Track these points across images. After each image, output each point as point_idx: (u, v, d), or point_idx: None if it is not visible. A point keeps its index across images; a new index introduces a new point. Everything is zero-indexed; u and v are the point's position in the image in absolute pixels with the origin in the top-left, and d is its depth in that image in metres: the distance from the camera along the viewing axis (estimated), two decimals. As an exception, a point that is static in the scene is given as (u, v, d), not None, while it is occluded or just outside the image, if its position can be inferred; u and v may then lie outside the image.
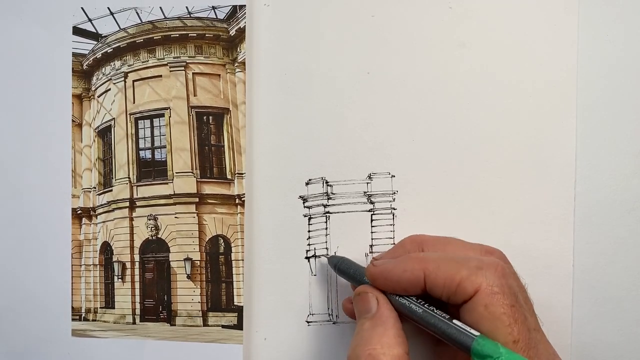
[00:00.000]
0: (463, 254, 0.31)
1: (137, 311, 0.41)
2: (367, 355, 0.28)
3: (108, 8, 0.41)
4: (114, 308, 0.41)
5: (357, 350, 0.28)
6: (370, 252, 0.38)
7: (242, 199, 0.39)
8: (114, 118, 0.42)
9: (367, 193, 0.38)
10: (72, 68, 0.42)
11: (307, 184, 0.39)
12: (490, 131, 0.37)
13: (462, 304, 0.28)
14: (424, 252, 0.32)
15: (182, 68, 0.41)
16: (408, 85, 0.38)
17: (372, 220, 0.38)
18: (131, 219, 0.41)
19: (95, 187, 0.42)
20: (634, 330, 0.36)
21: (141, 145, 0.41)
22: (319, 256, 0.38)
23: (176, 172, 0.41)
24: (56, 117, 0.42)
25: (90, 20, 0.41)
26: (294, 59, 0.39)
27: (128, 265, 0.41)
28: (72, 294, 0.42)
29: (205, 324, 0.40)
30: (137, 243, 0.41)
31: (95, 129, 0.42)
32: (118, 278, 0.41)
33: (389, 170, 0.38)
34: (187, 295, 0.40)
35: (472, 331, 0.27)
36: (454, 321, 0.28)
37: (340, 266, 0.35)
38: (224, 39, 0.40)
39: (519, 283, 0.30)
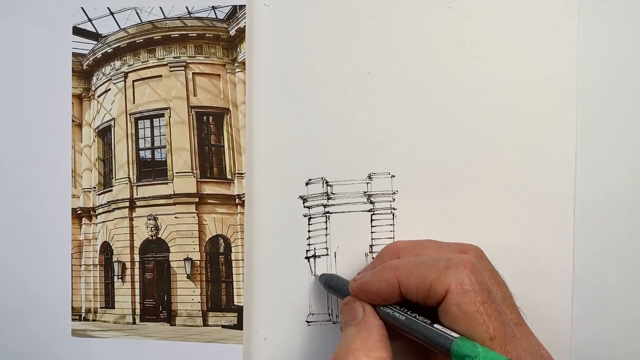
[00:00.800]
0: (435, 256, 0.31)
1: (137, 311, 0.41)
2: (351, 356, 0.28)
3: (108, 8, 0.41)
4: (114, 308, 0.41)
5: (341, 353, 0.29)
6: (370, 252, 0.38)
7: (242, 199, 0.39)
8: (114, 118, 0.42)
9: (367, 193, 0.38)
10: (72, 68, 0.42)
11: (307, 184, 0.39)
12: (490, 131, 0.37)
13: (437, 305, 0.28)
14: (398, 260, 0.32)
15: (182, 68, 0.41)
16: (408, 85, 0.38)
17: (372, 220, 0.38)
18: (131, 219, 0.41)
19: (95, 187, 0.42)
20: (634, 330, 0.36)
21: (141, 145, 0.41)
22: (319, 256, 0.38)
23: (176, 172, 0.41)
24: (56, 117, 0.42)
25: (90, 20, 0.41)
26: (294, 59, 0.39)
27: (128, 265, 0.41)
28: (72, 294, 0.42)
29: (205, 324, 0.40)
30: (137, 243, 0.41)
31: (95, 129, 0.42)
32: (118, 278, 0.41)
33: (389, 170, 0.38)
34: (187, 295, 0.40)
35: (452, 333, 0.28)
36: (435, 325, 0.29)
37: (330, 283, 0.36)
38: (224, 39, 0.40)
39: (497, 279, 0.30)
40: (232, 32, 0.40)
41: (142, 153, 0.41)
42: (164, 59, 0.41)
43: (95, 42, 0.41)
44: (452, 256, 0.30)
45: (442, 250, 0.32)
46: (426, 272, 0.29)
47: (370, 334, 0.29)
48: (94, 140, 0.42)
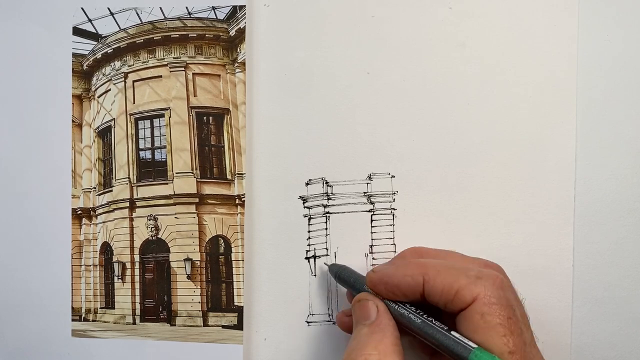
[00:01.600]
0: (464, 265, 0.31)
1: (137, 311, 0.41)
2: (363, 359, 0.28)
3: (108, 8, 0.41)
4: (114, 308, 0.41)
5: (353, 354, 0.28)
6: (370, 252, 0.38)
7: (242, 199, 0.39)
8: (114, 118, 0.42)
9: (367, 193, 0.38)
10: (72, 68, 0.42)
11: (307, 184, 0.39)
12: (490, 131, 0.37)
13: (458, 312, 0.28)
14: (426, 259, 0.32)
15: (182, 68, 0.41)
16: (408, 85, 0.38)
17: (372, 221, 0.38)
18: (131, 219, 0.41)
19: (95, 188, 0.42)
20: (634, 330, 0.36)
21: (141, 146, 0.41)
22: (319, 256, 0.38)
23: (176, 173, 0.41)
24: (56, 117, 0.42)
25: (90, 20, 0.41)
26: (294, 59, 0.39)
27: (128, 265, 0.41)
28: (72, 294, 0.42)
29: (205, 324, 0.40)
30: (137, 243, 0.41)
31: (95, 129, 0.42)
32: (118, 278, 0.41)
33: (389, 170, 0.38)
34: (187, 295, 0.40)
35: (470, 343, 0.27)
36: (452, 332, 0.28)
37: (341, 274, 0.35)
38: (224, 39, 0.40)
39: (516, 297, 0.30)
40: (232, 33, 0.40)
41: (142, 153, 0.41)
42: (164, 59, 0.41)
43: (95, 43, 0.42)
44: (483, 269, 0.29)
45: (467, 261, 0.32)
46: (455, 277, 0.28)
47: (384, 336, 0.29)
48: (94, 141, 0.42)
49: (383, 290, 0.31)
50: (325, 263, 0.38)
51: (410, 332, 0.30)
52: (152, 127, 0.41)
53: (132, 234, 0.41)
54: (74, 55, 0.42)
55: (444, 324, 0.29)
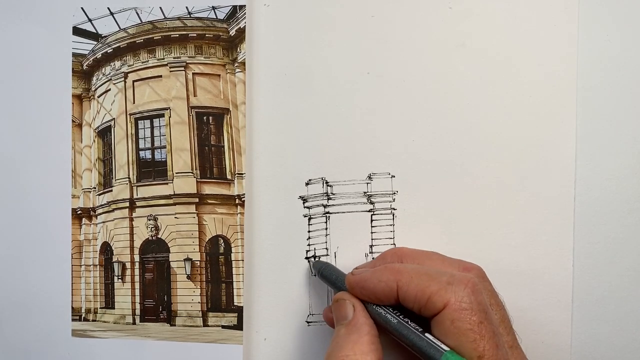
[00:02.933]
0: (439, 269, 0.31)
1: (137, 311, 0.41)
2: None
3: (108, 8, 0.41)
4: (114, 308, 0.41)
5: (331, 356, 0.29)
6: (370, 252, 0.38)
7: (242, 199, 0.39)
8: (114, 118, 0.42)
9: (367, 193, 0.38)
10: (72, 68, 0.42)
11: (307, 184, 0.39)
12: (490, 131, 0.37)
13: (432, 317, 0.28)
14: (400, 264, 0.32)
15: (182, 68, 0.41)
16: (408, 85, 0.38)
17: (372, 221, 0.38)
18: (131, 219, 0.41)
19: (95, 187, 0.42)
20: (634, 330, 0.36)
21: (141, 146, 0.41)
22: (319, 256, 0.38)
23: (176, 172, 0.41)
24: (56, 117, 0.42)
25: (90, 20, 0.41)
26: (294, 59, 0.39)
27: (128, 265, 0.41)
28: (72, 294, 0.42)
29: (205, 325, 0.40)
30: (137, 243, 0.41)
31: (95, 129, 0.42)
32: (118, 278, 0.41)
33: (389, 170, 0.38)
34: (187, 295, 0.40)
35: (442, 346, 0.28)
36: (426, 335, 0.28)
37: (324, 272, 0.35)
38: (224, 39, 0.40)
39: (497, 300, 0.30)
40: (232, 32, 0.40)
41: (142, 153, 0.41)
42: (164, 59, 0.41)
43: (95, 43, 0.42)
44: (456, 273, 0.30)
45: (445, 264, 0.32)
46: (427, 283, 0.29)
47: (360, 335, 0.29)
48: (94, 141, 0.42)
49: (359, 293, 0.31)
50: (310, 259, 0.38)
51: (387, 332, 0.31)
52: (152, 127, 0.41)
53: (132, 234, 0.41)
54: (74, 55, 0.42)
55: (421, 326, 0.29)
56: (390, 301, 0.30)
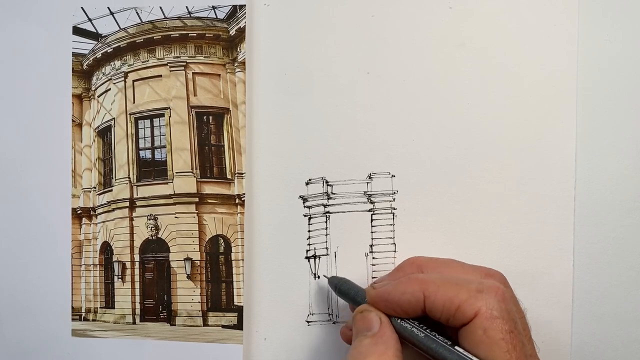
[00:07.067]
0: (463, 276, 0.31)
1: (137, 311, 0.41)
2: None
3: (108, 8, 0.41)
4: (114, 308, 0.41)
5: None
6: (370, 252, 0.38)
7: (242, 199, 0.39)
8: (114, 118, 0.42)
9: (367, 193, 0.38)
10: (72, 68, 0.42)
11: (307, 184, 0.39)
12: (490, 131, 0.37)
13: (460, 327, 0.28)
14: (425, 274, 0.31)
15: (182, 68, 0.41)
16: (408, 85, 0.38)
17: (372, 220, 0.38)
18: (131, 219, 0.41)
19: (95, 187, 0.42)
20: (634, 330, 0.36)
21: (141, 145, 0.41)
22: (319, 256, 0.38)
23: (176, 172, 0.41)
24: (56, 117, 0.42)
25: (90, 20, 0.41)
26: (294, 59, 0.39)
27: (128, 265, 0.41)
28: (72, 294, 0.42)
29: (205, 324, 0.40)
30: (137, 243, 0.41)
31: (95, 129, 0.42)
32: (118, 278, 0.41)
33: (389, 170, 0.38)
34: (187, 295, 0.40)
35: (474, 358, 0.27)
36: (456, 347, 0.28)
37: (341, 287, 0.34)
38: (224, 39, 0.40)
39: (519, 308, 0.30)
40: (232, 32, 0.40)
41: (142, 153, 0.41)
42: (164, 58, 0.41)
43: (95, 42, 0.41)
44: (484, 280, 0.29)
45: (467, 271, 0.32)
46: (456, 291, 0.28)
47: (387, 348, 0.28)
48: (94, 140, 0.42)
49: (383, 307, 0.31)
50: (325, 275, 0.38)
51: (411, 347, 0.30)
52: (152, 127, 0.41)
53: (132, 233, 0.41)
54: (74, 54, 0.42)
55: (446, 337, 0.29)
56: (415, 313, 0.29)
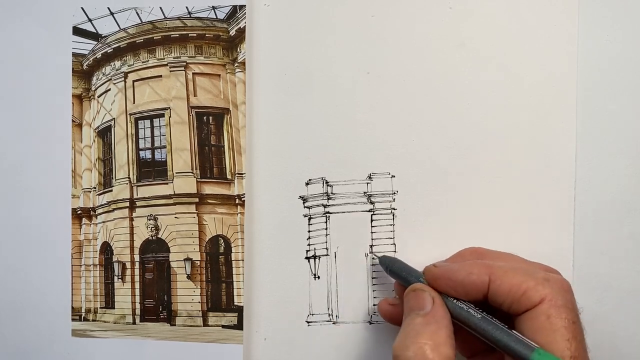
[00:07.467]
0: (527, 267, 0.31)
1: (137, 311, 0.41)
2: (417, 348, 0.27)
3: (108, 8, 0.41)
4: (114, 308, 0.41)
5: (407, 341, 0.28)
6: (370, 252, 0.38)
7: (242, 199, 0.39)
8: (114, 118, 0.42)
9: (367, 193, 0.38)
10: (72, 68, 0.42)
11: (307, 184, 0.39)
12: (490, 131, 0.37)
13: (522, 313, 0.28)
14: (489, 261, 0.31)
15: (182, 68, 0.41)
16: (408, 85, 0.38)
17: (372, 220, 0.38)
18: (131, 219, 0.41)
19: (95, 187, 0.42)
20: (635, 330, 0.36)
21: (141, 145, 0.41)
22: (319, 256, 0.38)
23: (176, 172, 0.41)
24: (56, 117, 0.42)
25: (90, 20, 0.41)
26: (294, 59, 0.39)
27: (128, 265, 0.41)
28: (72, 294, 0.42)
29: (205, 324, 0.40)
30: (137, 243, 0.41)
31: (95, 129, 0.42)
32: (118, 278, 0.41)
33: (389, 170, 0.38)
34: (187, 295, 0.40)
35: (532, 343, 0.27)
36: (514, 331, 0.28)
37: (392, 267, 0.34)
38: (224, 39, 0.40)
39: (576, 308, 0.30)
40: (232, 32, 0.40)
41: (142, 153, 0.41)
42: (164, 59, 0.41)
43: (95, 42, 0.42)
44: (550, 274, 0.29)
45: (529, 264, 0.32)
46: (523, 278, 0.28)
47: (439, 327, 0.28)
48: (94, 141, 0.42)
49: (444, 286, 0.30)
50: (375, 255, 0.37)
51: (463, 328, 0.30)
52: (152, 127, 0.41)
53: (132, 233, 0.41)
54: (74, 54, 0.42)
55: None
56: (477, 295, 0.29)
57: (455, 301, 0.30)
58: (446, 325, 0.29)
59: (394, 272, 0.34)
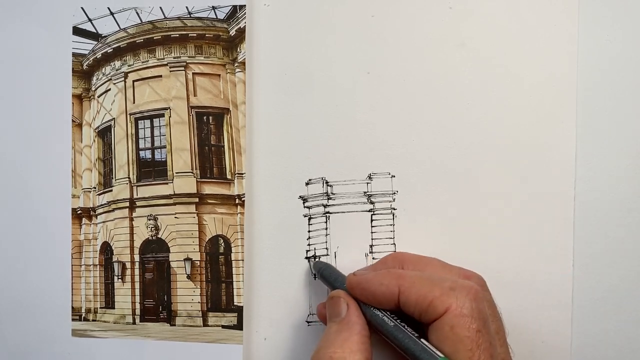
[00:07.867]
0: (441, 275, 0.31)
1: (137, 311, 0.41)
2: (328, 358, 0.28)
3: (108, 8, 0.41)
4: (114, 308, 0.41)
5: (320, 353, 0.29)
6: (370, 252, 0.38)
7: (242, 199, 0.39)
8: (114, 118, 0.42)
9: (367, 193, 0.38)
10: (72, 68, 0.42)
11: (307, 184, 0.39)
12: (490, 131, 0.37)
13: (431, 322, 0.28)
14: (402, 270, 0.32)
15: (182, 68, 0.41)
16: (408, 85, 0.38)
17: (372, 220, 0.38)
18: (131, 219, 0.41)
19: (95, 187, 0.42)
20: (634, 330, 0.36)
21: (141, 145, 0.41)
22: (319, 256, 0.38)
23: (176, 172, 0.41)
24: (56, 117, 0.42)
25: (90, 20, 0.41)
26: (294, 59, 0.39)
27: (128, 265, 0.41)
28: (72, 294, 0.42)
29: (205, 324, 0.40)
30: (137, 243, 0.41)
31: (95, 129, 0.42)
32: (118, 278, 0.41)
33: (389, 170, 0.38)
34: (187, 295, 0.40)
35: (437, 352, 0.27)
36: (422, 340, 0.28)
37: (324, 272, 0.35)
38: (224, 39, 0.40)
39: (494, 311, 0.30)
40: (232, 32, 0.40)
41: (142, 153, 0.41)
42: (164, 59, 0.41)
43: (95, 42, 0.42)
44: (458, 279, 0.30)
45: (446, 270, 0.32)
46: (430, 288, 0.28)
47: (351, 334, 0.29)
48: (94, 140, 0.42)
49: (359, 295, 0.31)
50: (310, 259, 0.38)
51: (383, 336, 0.31)
52: (152, 127, 0.41)
53: (132, 233, 0.41)
54: (74, 54, 0.42)
55: (418, 333, 0.29)
56: (389, 305, 0.30)
57: (372, 309, 0.31)
58: (358, 330, 0.30)
59: (324, 278, 0.35)
